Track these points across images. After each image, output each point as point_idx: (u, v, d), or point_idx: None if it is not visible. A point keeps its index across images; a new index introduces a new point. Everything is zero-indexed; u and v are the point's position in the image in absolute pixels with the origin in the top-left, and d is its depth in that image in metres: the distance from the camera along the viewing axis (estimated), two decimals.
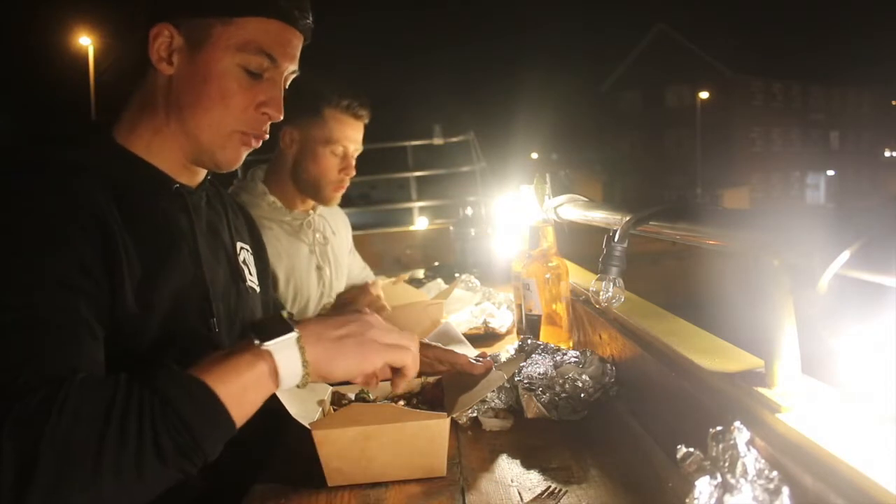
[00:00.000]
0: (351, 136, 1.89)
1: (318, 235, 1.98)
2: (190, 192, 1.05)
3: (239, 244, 1.19)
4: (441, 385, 1.11)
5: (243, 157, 1.05)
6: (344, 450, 0.92)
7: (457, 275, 2.25)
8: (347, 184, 1.94)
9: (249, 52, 0.97)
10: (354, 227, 2.40)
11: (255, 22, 0.98)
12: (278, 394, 0.88)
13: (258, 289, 1.22)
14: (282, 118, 1.04)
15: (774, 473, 0.65)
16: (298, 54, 1.05)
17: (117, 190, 0.92)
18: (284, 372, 0.77)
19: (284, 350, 0.77)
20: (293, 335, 0.78)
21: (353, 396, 1.11)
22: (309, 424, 0.92)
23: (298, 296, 1.90)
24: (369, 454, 0.92)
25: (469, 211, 2.88)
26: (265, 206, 1.88)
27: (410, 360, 0.89)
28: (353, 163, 1.93)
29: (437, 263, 2.83)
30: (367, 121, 1.94)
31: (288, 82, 1.06)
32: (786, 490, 0.63)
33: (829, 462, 0.60)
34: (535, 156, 30.87)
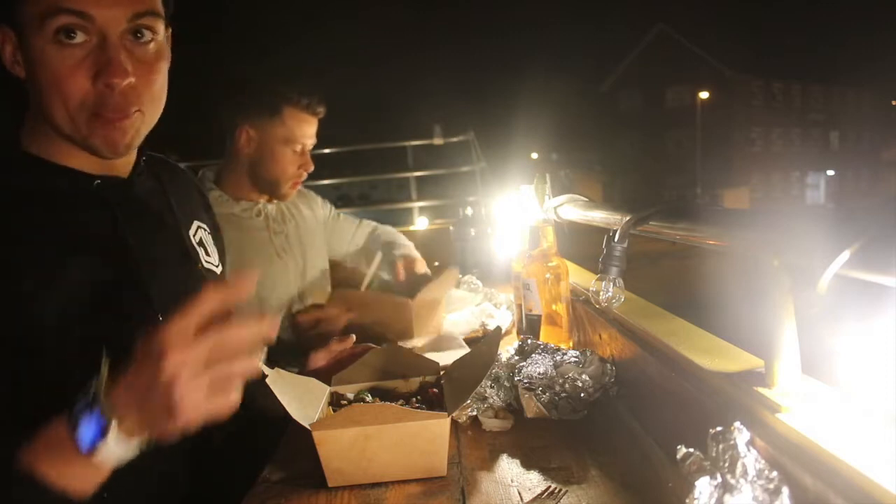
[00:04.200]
0: (308, 132, 1.90)
1: (274, 224, 1.96)
2: (115, 185, 0.97)
3: (195, 223, 1.13)
4: (440, 384, 1.11)
5: (124, 139, 0.91)
6: (344, 450, 0.92)
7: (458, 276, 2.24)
8: (303, 180, 1.95)
9: (47, 17, 0.82)
10: None
11: None
12: (278, 395, 0.87)
13: (219, 268, 1.16)
14: (127, 79, 0.86)
15: (774, 473, 0.65)
16: None
17: (24, 205, 0.88)
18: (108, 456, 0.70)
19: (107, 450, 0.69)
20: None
21: (351, 397, 1.11)
22: (309, 425, 0.91)
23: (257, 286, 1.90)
24: (369, 454, 0.92)
25: (469, 211, 2.87)
26: (210, 200, 1.86)
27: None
28: (309, 158, 1.94)
29: (437, 263, 2.83)
30: (322, 116, 1.94)
31: (154, 28, 0.89)
32: (786, 490, 0.63)
33: (829, 462, 0.60)
34: (535, 156, 30.89)
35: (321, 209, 2.21)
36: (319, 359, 1.34)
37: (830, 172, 37.60)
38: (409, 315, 1.61)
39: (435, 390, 1.10)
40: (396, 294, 1.80)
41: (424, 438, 0.92)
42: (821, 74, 35.83)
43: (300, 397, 0.98)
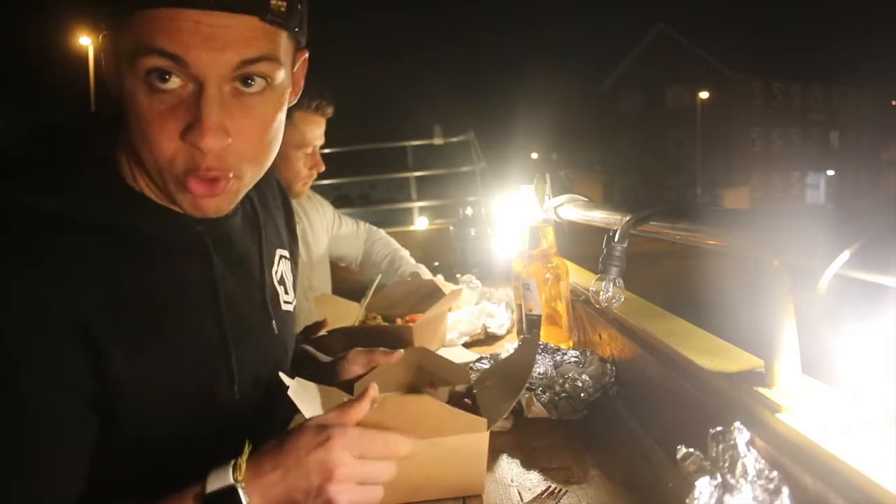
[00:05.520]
0: (318, 134, 1.92)
1: None
2: (213, 227, 0.86)
3: (278, 254, 1.02)
4: (473, 394, 1.04)
5: (210, 207, 0.78)
6: None
7: (458, 275, 2.25)
8: (315, 177, 1.98)
9: (138, 55, 0.69)
10: None
11: (139, 16, 0.69)
12: (301, 407, 0.83)
13: (293, 304, 1.06)
14: (211, 145, 0.71)
15: (774, 473, 0.65)
16: (240, 35, 0.70)
17: (113, 253, 0.75)
18: None
19: None
20: None
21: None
22: None
23: None
24: (402, 473, 0.80)
25: (469, 211, 2.88)
26: None
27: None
28: (319, 156, 1.96)
29: (436, 263, 2.83)
30: (331, 115, 1.95)
31: (269, 73, 0.73)
32: (786, 490, 0.63)
33: (829, 462, 0.60)
34: (535, 156, 30.91)
35: (328, 213, 2.25)
36: (356, 368, 1.18)
37: (830, 172, 37.61)
38: (411, 340, 1.57)
39: (468, 401, 1.00)
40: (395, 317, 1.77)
41: (463, 455, 0.84)
42: (821, 74, 35.83)
43: (322, 408, 0.90)
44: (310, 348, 1.25)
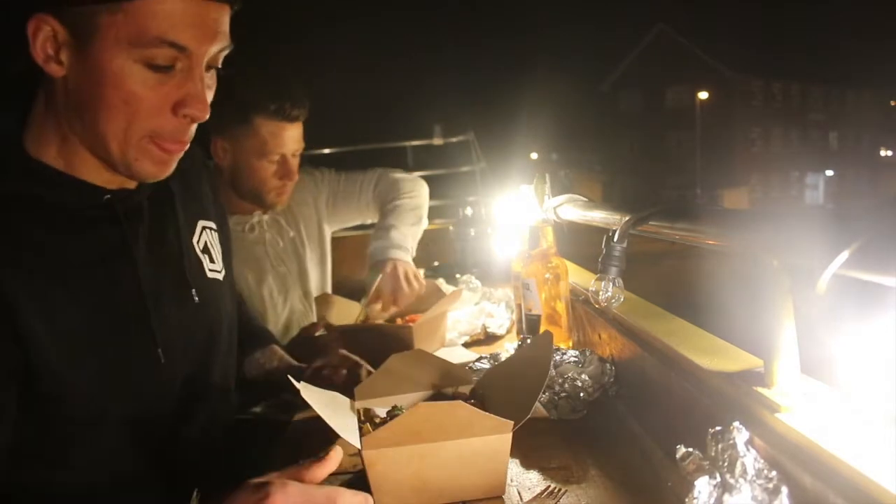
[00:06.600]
0: (286, 141, 1.72)
1: (269, 236, 1.86)
2: (125, 198, 0.90)
3: (201, 225, 1.06)
4: (478, 395, 1.03)
5: (170, 167, 0.88)
6: (398, 471, 0.82)
7: (458, 275, 2.25)
8: (291, 188, 1.79)
9: (147, 46, 0.78)
10: (355, 227, 2.35)
11: (150, 4, 0.76)
12: (317, 409, 0.82)
13: (222, 273, 1.09)
14: (206, 116, 0.85)
15: (773, 473, 0.65)
16: (225, 27, 0.83)
17: (26, 220, 0.81)
18: None
19: None
20: None
21: (384, 414, 1.00)
22: (359, 443, 0.83)
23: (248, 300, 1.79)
24: (424, 475, 0.83)
25: (469, 211, 2.87)
26: None
27: None
28: (295, 165, 1.77)
29: (436, 263, 2.83)
30: (303, 119, 1.75)
31: (219, 61, 0.86)
32: (785, 490, 0.63)
33: (829, 462, 0.60)
34: (535, 156, 30.91)
35: (323, 191, 2.05)
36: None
37: (829, 173, 37.62)
38: (411, 340, 1.55)
39: (473, 402, 0.99)
40: (396, 315, 1.76)
41: (485, 456, 0.84)
42: (820, 75, 35.86)
43: (335, 412, 0.90)
44: (278, 349, 1.33)
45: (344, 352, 1.31)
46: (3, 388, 0.77)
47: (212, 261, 1.07)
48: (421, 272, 2.23)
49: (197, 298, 1.00)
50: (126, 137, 0.82)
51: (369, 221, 2.13)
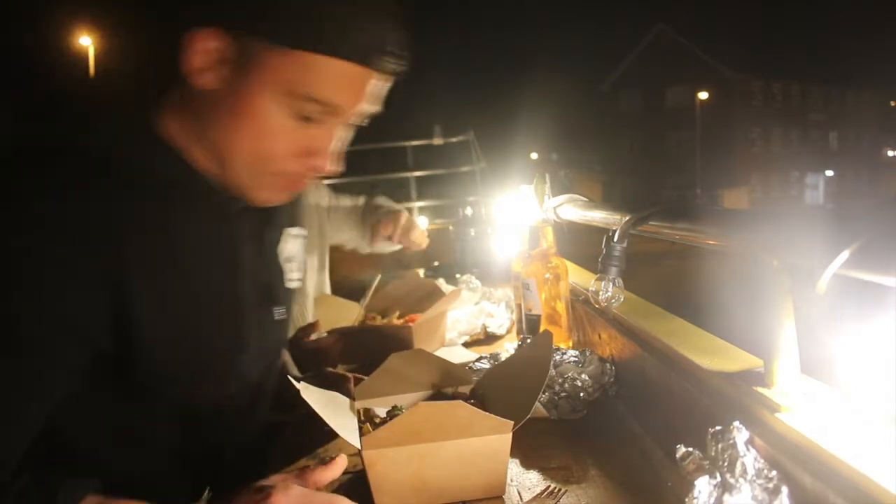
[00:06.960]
0: None
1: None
2: (235, 200, 0.88)
3: (288, 232, 1.05)
4: (478, 395, 1.03)
5: (288, 198, 0.89)
6: (398, 471, 0.83)
7: (458, 275, 2.25)
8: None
9: (300, 98, 0.77)
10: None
11: (321, 61, 0.75)
12: (317, 410, 0.83)
13: (299, 281, 1.08)
14: (333, 172, 0.84)
15: (773, 473, 0.65)
16: (382, 94, 0.83)
17: (151, 195, 0.79)
18: None
19: None
20: None
21: (384, 414, 1.00)
22: (359, 443, 0.82)
23: None
24: (424, 475, 0.83)
25: (469, 211, 2.87)
26: None
27: None
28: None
29: (436, 263, 2.83)
30: None
31: (363, 119, 0.86)
32: (785, 489, 0.63)
33: (829, 462, 0.60)
34: (534, 156, 30.93)
35: (322, 200, 2.12)
36: None
37: (829, 173, 37.64)
38: (411, 340, 1.57)
39: (473, 402, 0.98)
40: (395, 313, 1.77)
41: (485, 456, 0.84)
42: (820, 75, 35.88)
43: (335, 412, 0.90)
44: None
45: (330, 370, 1.30)
46: (66, 367, 0.76)
47: (293, 270, 1.06)
48: (421, 272, 2.23)
49: (280, 314, 1.00)
50: (251, 170, 0.81)
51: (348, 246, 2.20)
